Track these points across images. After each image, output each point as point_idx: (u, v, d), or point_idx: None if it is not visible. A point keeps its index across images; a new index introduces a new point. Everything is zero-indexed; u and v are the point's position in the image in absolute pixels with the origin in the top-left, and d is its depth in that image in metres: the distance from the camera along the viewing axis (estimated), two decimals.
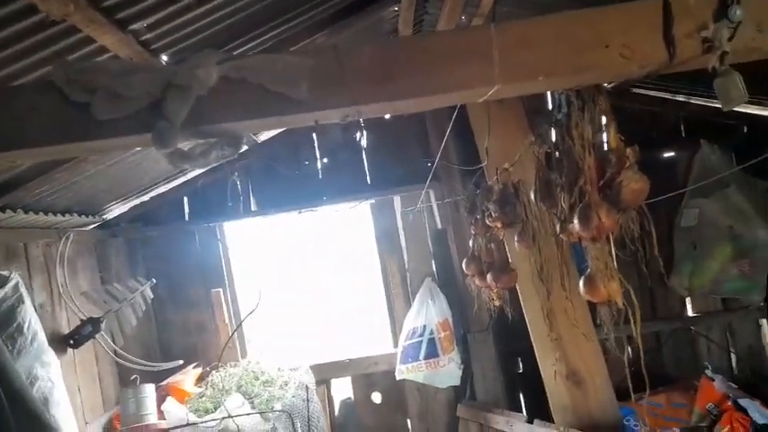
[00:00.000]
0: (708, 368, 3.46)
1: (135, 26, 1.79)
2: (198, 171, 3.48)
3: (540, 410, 3.30)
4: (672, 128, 4.07)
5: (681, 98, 3.53)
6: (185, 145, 0.94)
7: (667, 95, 3.60)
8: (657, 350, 4.06)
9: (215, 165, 0.99)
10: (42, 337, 2.49)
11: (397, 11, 2.91)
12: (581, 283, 1.37)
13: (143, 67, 0.85)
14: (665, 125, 4.07)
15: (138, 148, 2.09)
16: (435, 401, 3.97)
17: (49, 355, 2.51)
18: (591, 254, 1.21)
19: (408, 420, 4.04)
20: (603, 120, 1.16)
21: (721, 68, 0.96)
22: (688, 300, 4.08)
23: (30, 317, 2.37)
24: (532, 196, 1.49)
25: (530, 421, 3.32)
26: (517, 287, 2.97)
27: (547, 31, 0.95)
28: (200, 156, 0.96)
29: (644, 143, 4.05)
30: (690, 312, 4.10)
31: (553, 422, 3.16)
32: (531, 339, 3.18)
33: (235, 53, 2.18)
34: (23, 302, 2.37)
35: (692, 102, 3.57)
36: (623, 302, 1.39)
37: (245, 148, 1.08)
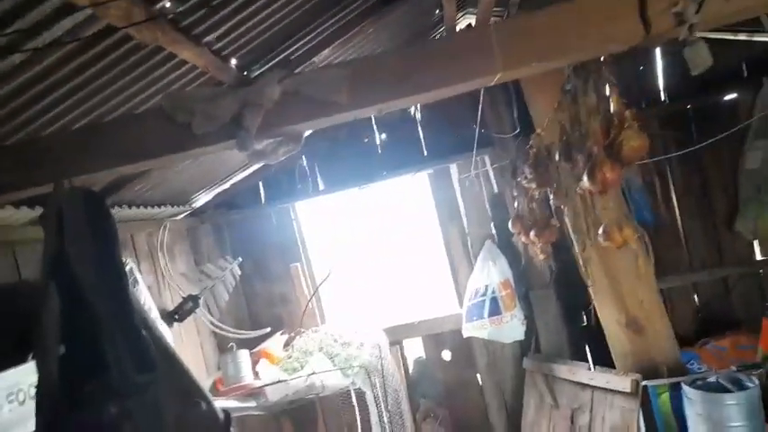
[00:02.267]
0: None
1: (208, 38, 2.11)
2: None
3: (606, 361, 3.46)
4: (733, 69, 3.97)
5: (742, 37, 3.47)
6: (259, 145, 1.23)
7: (728, 35, 3.54)
8: (725, 296, 4.08)
9: (284, 158, 1.28)
10: (156, 312, 2.95)
11: None
12: (600, 231, 1.55)
13: (225, 92, 1.14)
14: (726, 66, 3.97)
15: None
16: (502, 356, 4.19)
17: (164, 327, 2.98)
18: (600, 205, 1.39)
19: (478, 375, 4.30)
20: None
21: (690, 39, 1.12)
22: (756, 243, 4.04)
23: (145, 296, 2.82)
24: (557, 158, 1.68)
25: (592, 368, 3.49)
26: (572, 243, 3.13)
27: (536, 23, 1.14)
28: (272, 152, 1.25)
29: (704, 86, 4.05)
30: (758, 256, 4.06)
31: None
32: (590, 292, 3.34)
33: (297, 65, 2.47)
34: (138, 284, 2.83)
35: (755, 40, 3.49)
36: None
37: (303, 142, 1.36)
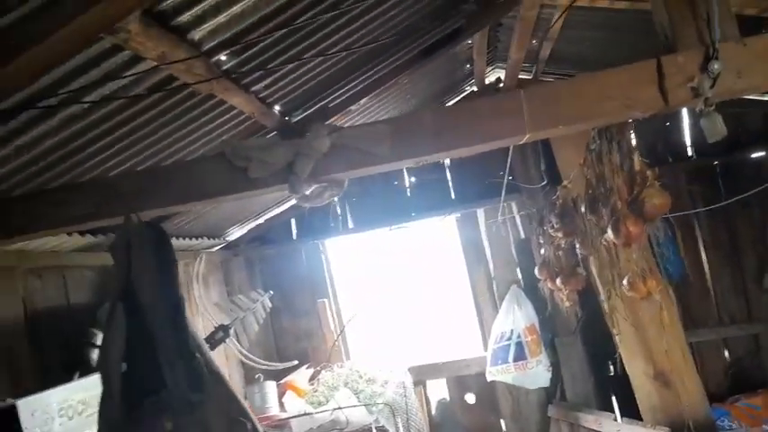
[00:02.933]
0: None
1: (256, 87, 2.29)
2: None
3: (633, 412, 3.42)
4: (759, 127, 4.03)
5: (767, 98, 3.53)
6: (307, 190, 1.36)
7: (753, 96, 3.61)
8: (757, 352, 4.00)
9: (328, 201, 1.41)
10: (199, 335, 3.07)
11: (471, 43, 3.24)
12: (624, 282, 1.62)
13: (280, 143, 1.28)
14: (751, 125, 4.03)
15: None
16: (527, 402, 4.17)
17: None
18: (624, 256, 1.47)
19: (502, 420, 4.27)
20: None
21: (705, 110, 1.21)
22: None
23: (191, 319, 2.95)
24: (583, 209, 1.77)
25: (619, 419, 3.45)
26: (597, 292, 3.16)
27: (564, 91, 1.26)
28: (317, 196, 1.39)
29: (732, 143, 4.09)
30: None
31: None
32: (616, 342, 3.33)
33: (336, 112, 2.65)
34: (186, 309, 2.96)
35: None
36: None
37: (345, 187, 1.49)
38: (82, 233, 2.60)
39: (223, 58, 1.95)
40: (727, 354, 4.04)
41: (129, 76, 1.61)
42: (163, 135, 2.14)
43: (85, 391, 1.99)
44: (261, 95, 2.37)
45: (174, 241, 3.43)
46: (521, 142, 1.32)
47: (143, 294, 1.32)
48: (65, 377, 2.19)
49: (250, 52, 1.97)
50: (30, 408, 1.72)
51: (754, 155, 3.97)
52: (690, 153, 4.06)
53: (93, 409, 1.99)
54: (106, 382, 1.31)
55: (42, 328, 2.48)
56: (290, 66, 2.06)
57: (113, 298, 1.34)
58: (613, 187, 1.45)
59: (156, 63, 1.62)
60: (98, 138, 1.86)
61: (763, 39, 1.24)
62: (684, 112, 3.89)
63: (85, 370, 2.36)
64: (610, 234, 1.49)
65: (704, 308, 4.01)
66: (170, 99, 1.95)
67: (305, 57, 1.97)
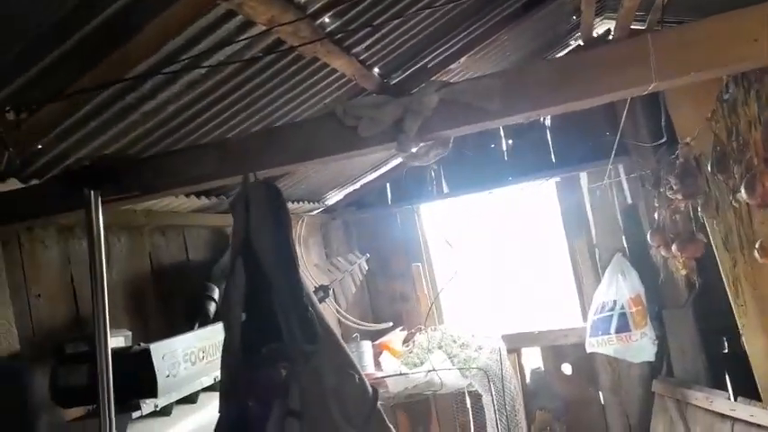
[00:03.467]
0: None
1: (356, 49, 2.31)
2: (398, 160, 4.05)
3: (746, 391, 3.18)
4: None
5: None
6: (414, 148, 1.36)
7: None
8: None
9: (434, 160, 1.40)
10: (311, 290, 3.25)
11: None
12: (756, 247, 1.48)
13: (389, 100, 1.28)
14: None
15: None
16: (628, 376, 4.00)
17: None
18: (758, 219, 1.34)
19: (600, 393, 4.13)
20: None
21: None
22: None
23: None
24: (710, 169, 1.62)
25: (733, 399, 3.22)
26: (717, 260, 2.92)
27: (696, 34, 1.14)
28: (424, 155, 1.38)
29: None
30: None
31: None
32: (735, 315, 3.08)
33: (434, 72, 2.60)
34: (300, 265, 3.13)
35: None
36: None
37: (450, 146, 1.47)
38: (198, 195, 2.80)
39: (327, 20, 1.97)
40: None
41: (242, 40, 1.67)
42: (272, 98, 2.23)
43: (205, 340, 2.16)
44: (361, 57, 2.38)
45: None
46: (645, 93, 1.22)
47: (261, 249, 1.40)
48: (186, 326, 2.39)
49: (352, 13, 1.97)
50: (160, 352, 1.90)
51: None
52: None
53: (212, 356, 2.18)
54: (228, 331, 1.42)
55: (166, 281, 2.72)
56: (393, 22, 2.04)
57: (234, 252, 1.43)
58: (749, 141, 1.31)
59: (265, 27, 1.67)
60: (216, 101, 1.97)
61: None
62: None
63: (204, 320, 2.57)
64: (743, 194, 1.36)
65: None
66: (278, 63, 2.02)
67: (409, 12, 1.93)
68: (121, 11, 1.37)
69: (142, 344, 1.90)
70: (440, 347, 3.84)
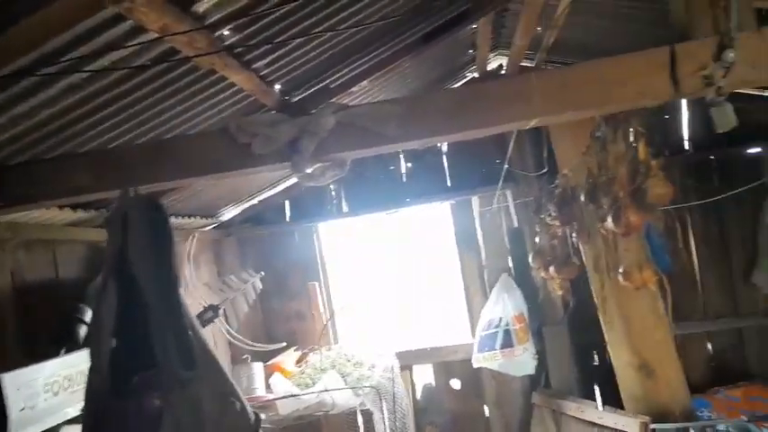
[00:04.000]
0: None
1: (257, 65, 2.26)
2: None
3: (614, 401, 3.47)
4: (759, 124, 4.03)
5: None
6: (310, 168, 1.35)
7: (754, 91, 3.61)
8: (739, 346, 4.08)
9: (330, 181, 1.40)
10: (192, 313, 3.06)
11: (475, 28, 3.21)
12: (620, 271, 1.63)
13: (285, 119, 1.26)
14: (751, 121, 4.01)
15: None
16: (511, 389, 4.21)
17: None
18: (622, 246, 1.47)
19: (485, 406, 4.32)
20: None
21: (716, 100, 1.21)
22: None
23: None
24: (583, 198, 1.77)
25: (600, 408, 3.50)
26: (590, 282, 3.18)
27: (576, 76, 1.25)
28: (320, 176, 1.37)
29: (729, 139, 4.10)
30: None
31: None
32: (603, 331, 3.37)
33: (337, 93, 2.61)
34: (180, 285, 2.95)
35: None
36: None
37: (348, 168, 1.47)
38: (74, 208, 2.56)
39: (226, 32, 1.91)
40: (710, 346, 4.11)
41: (131, 46, 1.57)
42: (163, 109, 2.10)
43: (72, 367, 1.97)
44: (261, 73, 2.33)
45: None
46: (527, 127, 1.31)
47: (138, 269, 1.30)
48: (52, 352, 2.16)
49: (253, 28, 1.93)
50: (15, 382, 1.69)
51: (750, 151, 3.99)
52: (687, 147, 4.08)
53: (79, 385, 1.98)
54: (95, 357, 1.29)
55: (30, 301, 2.44)
56: (294, 42, 2.02)
57: (106, 271, 1.32)
58: (616, 176, 1.45)
59: (157, 34, 1.58)
60: (98, 109, 1.81)
61: None
62: (684, 104, 3.90)
63: (72, 345, 2.34)
64: (610, 223, 1.50)
65: (691, 301, 4.06)
66: (171, 73, 1.91)
67: (311, 33, 1.93)
68: None
69: None
70: (333, 367, 3.80)
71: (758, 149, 3.98)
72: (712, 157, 4.01)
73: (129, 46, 1.59)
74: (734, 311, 4.08)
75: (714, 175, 3.99)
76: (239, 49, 2.04)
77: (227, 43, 1.91)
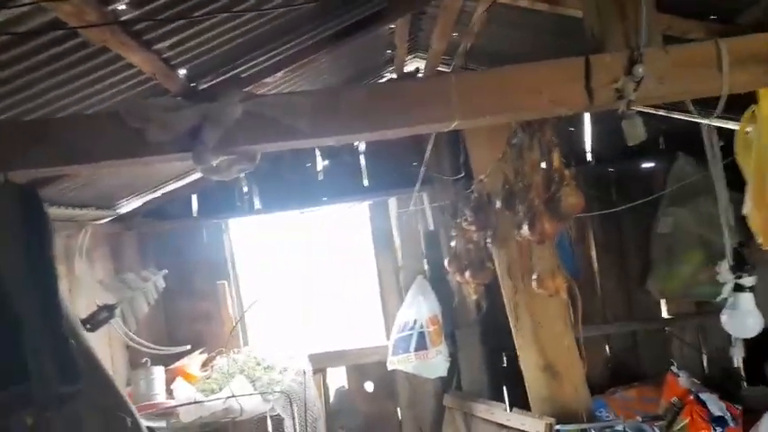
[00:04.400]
0: (673, 365, 3.74)
1: (158, 46, 2.07)
2: None
3: (521, 402, 3.58)
4: (652, 140, 4.33)
5: (661, 113, 3.80)
6: (214, 161, 1.22)
7: (650, 110, 3.86)
8: (634, 348, 4.34)
9: (237, 175, 1.28)
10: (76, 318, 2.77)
11: (393, 28, 3.18)
12: (534, 278, 1.64)
13: (185, 104, 1.13)
14: (646, 137, 4.31)
15: None
16: (424, 391, 4.24)
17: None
18: (536, 253, 1.48)
19: (398, 408, 4.31)
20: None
21: (627, 113, 1.24)
22: (663, 302, 4.35)
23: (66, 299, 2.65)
24: (498, 204, 1.77)
25: (509, 410, 3.60)
26: (501, 286, 3.26)
27: (493, 80, 1.23)
28: (225, 169, 1.25)
29: (627, 153, 4.32)
30: (665, 314, 4.37)
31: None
32: (513, 335, 3.46)
33: (248, 83, 2.47)
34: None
35: (672, 116, 3.84)
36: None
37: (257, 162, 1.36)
38: None
39: (122, 7, 1.72)
40: (608, 349, 4.35)
41: (9, 9, 1.36)
42: (48, 87, 1.86)
43: None
44: (164, 56, 2.13)
45: (54, 210, 3.07)
46: (447, 129, 1.27)
47: (5, 268, 1.12)
48: None
49: (153, 5, 1.75)
50: None
51: (645, 165, 4.26)
52: (589, 158, 4.29)
53: None
54: None
55: None
56: (201, 25, 1.86)
57: None
58: (531, 184, 1.45)
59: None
60: None
61: (685, 48, 1.29)
62: (587, 117, 4.09)
63: None
64: (525, 230, 1.49)
65: (591, 306, 4.27)
66: (58, 47, 1.70)
67: (216, 14, 1.78)
68: None
69: None
70: (242, 371, 3.63)
71: (652, 164, 4.27)
72: (611, 170, 4.24)
73: (6, 7, 1.38)
74: (629, 316, 4.34)
75: (612, 186, 4.23)
76: (138, 27, 1.86)
77: (122, 19, 1.73)
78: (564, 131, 4.19)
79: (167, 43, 2.05)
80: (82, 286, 3.42)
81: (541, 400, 3.41)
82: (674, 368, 3.66)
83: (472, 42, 3.16)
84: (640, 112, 3.73)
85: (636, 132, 1.25)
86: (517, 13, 2.65)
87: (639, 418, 3.05)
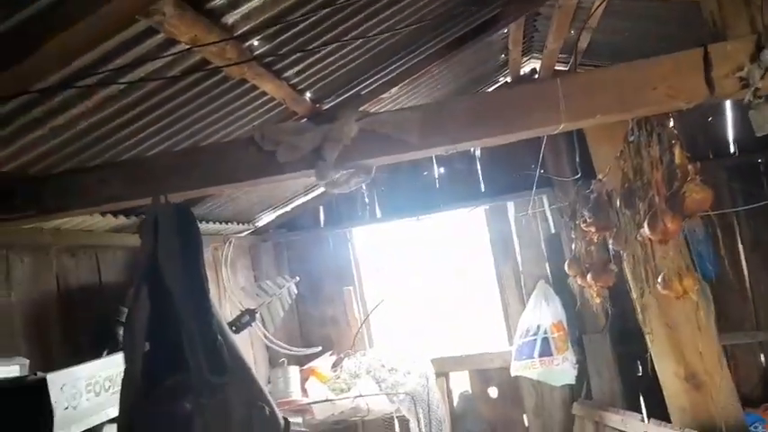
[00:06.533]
0: None
1: (287, 74, 2.29)
2: None
3: (661, 414, 3.33)
4: None
5: None
6: (335, 175, 1.35)
7: None
8: None
9: (355, 188, 1.40)
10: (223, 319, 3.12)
11: (506, 32, 3.17)
12: (659, 279, 1.56)
13: (309, 127, 1.27)
14: None
15: None
16: (551, 399, 4.11)
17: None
18: (659, 254, 1.42)
19: (524, 415, 4.22)
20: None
21: (754, 102, 1.15)
22: None
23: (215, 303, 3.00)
24: (618, 204, 1.71)
25: (646, 420, 3.37)
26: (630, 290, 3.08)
27: (603, 79, 1.21)
28: (345, 182, 1.37)
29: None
30: None
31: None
32: (647, 341, 3.24)
33: (367, 100, 2.62)
34: (210, 292, 3.01)
35: None
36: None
37: (373, 174, 1.47)
38: (115, 214, 2.66)
39: (256, 42, 1.95)
40: (763, 358, 3.91)
41: (164, 57, 1.62)
42: (196, 119, 2.17)
43: (112, 369, 2.02)
44: (292, 82, 2.37)
45: (203, 225, 3.48)
46: (555, 132, 1.27)
47: (168, 275, 1.33)
48: (94, 354, 2.24)
49: (282, 37, 1.96)
50: (59, 382, 1.75)
51: None
52: (732, 149, 3.90)
53: (119, 386, 2.04)
54: (128, 361, 1.33)
55: (74, 305, 2.55)
56: (323, 50, 2.04)
57: (138, 278, 1.35)
58: (651, 181, 1.39)
59: (188, 46, 1.63)
60: (133, 119, 1.88)
61: None
62: (728, 105, 3.73)
63: (114, 347, 2.42)
64: (646, 230, 1.44)
65: (741, 310, 3.87)
66: (203, 83, 1.96)
67: (340, 40, 1.94)
68: (36, 16, 1.28)
69: (39, 373, 1.76)
70: (368, 372, 3.80)
71: None
72: (760, 160, 3.82)
73: (161, 57, 1.64)
74: None
75: (762, 177, 3.80)
76: (269, 59, 2.08)
77: (256, 53, 1.95)
78: (701, 122, 3.86)
79: (295, 70, 2.27)
80: (227, 293, 3.81)
81: (682, 411, 3.15)
82: None
83: (589, 38, 3.06)
84: None
85: (764, 122, 1.15)
86: (635, 5, 2.53)
87: None
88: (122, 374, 1.36)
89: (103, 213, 2.56)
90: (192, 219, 1.42)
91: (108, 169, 1.57)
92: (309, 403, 3.46)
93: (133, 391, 1.32)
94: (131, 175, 1.45)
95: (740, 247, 3.89)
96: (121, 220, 2.71)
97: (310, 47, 2.06)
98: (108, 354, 2.28)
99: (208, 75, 1.91)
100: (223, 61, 1.77)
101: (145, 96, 1.81)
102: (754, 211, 3.54)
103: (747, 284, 3.88)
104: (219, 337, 1.36)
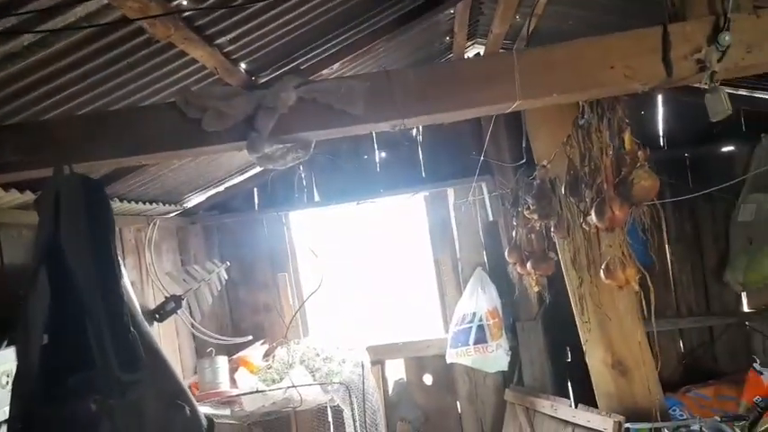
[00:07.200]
0: (756, 362, 3.47)
1: (220, 40, 2.10)
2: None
3: (587, 399, 3.43)
4: (732, 122, 4.01)
5: (743, 92, 3.51)
6: (269, 149, 1.21)
7: (729, 89, 3.58)
8: (710, 344, 4.08)
9: (291, 164, 1.26)
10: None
11: (452, 13, 3.09)
12: (602, 268, 1.54)
13: (240, 92, 1.13)
14: (725, 119, 4.01)
15: None
16: (484, 385, 4.16)
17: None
18: (605, 242, 1.38)
19: (458, 402, 4.25)
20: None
21: (711, 86, 1.12)
22: (744, 295, 4.05)
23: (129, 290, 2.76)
24: (563, 191, 1.67)
25: (574, 406, 3.46)
26: (565, 278, 3.12)
27: (560, 55, 1.15)
28: (280, 158, 1.24)
29: (703, 136, 4.04)
30: (745, 308, 4.07)
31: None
32: (578, 328, 3.31)
33: (307, 75, 2.46)
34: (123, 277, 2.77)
35: (755, 96, 3.55)
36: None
37: (312, 150, 1.34)
38: (21, 189, 2.37)
39: (185, 2, 1.75)
40: (681, 344, 4.11)
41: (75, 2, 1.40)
42: (115, 86, 1.92)
43: (13, 362, 1.80)
44: (226, 50, 2.17)
45: (124, 204, 3.21)
46: (509, 110, 1.20)
47: (72, 258, 1.15)
48: None
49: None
50: None
51: (724, 149, 3.97)
52: (662, 143, 4.04)
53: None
54: (22, 356, 1.15)
55: None
56: (264, 16, 1.86)
57: (36, 259, 1.16)
58: (600, 167, 1.35)
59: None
60: (41, 82, 1.62)
61: None
62: (659, 99, 3.85)
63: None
64: (592, 217, 1.40)
65: (664, 299, 4.04)
66: (125, 45, 1.75)
67: (277, 6, 1.78)
68: None
69: None
70: (302, 362, 3.68)
71: (731, 147, 3.97)
72: (686, 155, 3.98)
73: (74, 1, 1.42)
74: (705, 310, 4.07)
75: (688, 172, 3.96)
76: (200, 23, 1.89)
77: (185, 15, 1.76)
78: (633, 116, 3.96)
79: (228, 37, 2.08)
80: (150, 278, 3.56)
81: (609, 397, 3.26)
82: (756, 365, 3.40)
83: (535, 25, 3.03)
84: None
85: (720, 107, 1.13)
86: None
87: (718, 418, 2.84)
88: (14, 371, 1.17)
89: (6, 188, 2.27)
90: (102, 194, 1.24)
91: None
92: (238, 395, 3.30)
93: (27, 392, 1.13)
94: (30, 140, 1.24)
95: (665, 238, 4.05)
96: (28, 195, 2.42)
97: (243, 6, 1.87)
98: (8, 345, 2.03)
99: (130, 35, 1.70)
100: (146, 19, 1.57)
101: (54, 56, 1.58)
102: (679, 204, 3.69)
103: (671, 274, 4.06)
104: (132, 329, 1.19)
